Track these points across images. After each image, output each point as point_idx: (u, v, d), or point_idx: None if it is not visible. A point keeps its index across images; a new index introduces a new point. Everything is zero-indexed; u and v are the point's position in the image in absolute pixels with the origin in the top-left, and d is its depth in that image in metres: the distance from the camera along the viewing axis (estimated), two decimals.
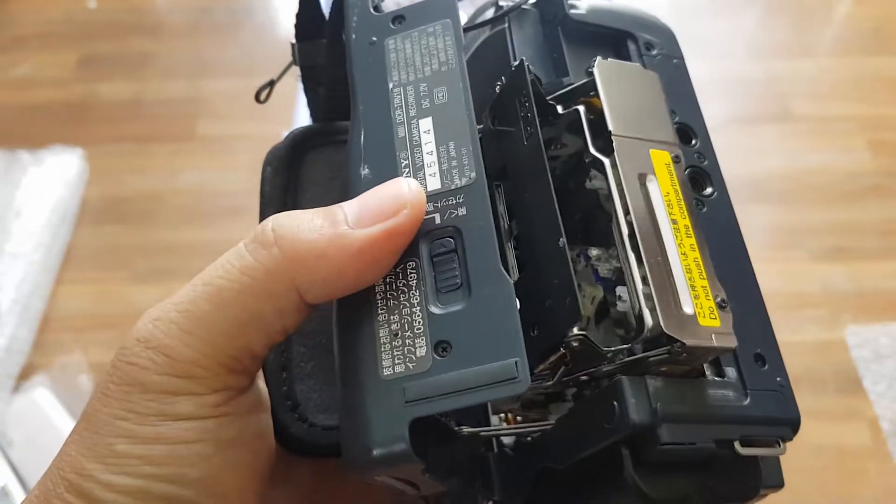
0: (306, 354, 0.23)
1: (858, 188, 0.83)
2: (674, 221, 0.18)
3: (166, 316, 0.18)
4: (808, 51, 0.96)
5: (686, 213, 0.19)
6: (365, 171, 0.20)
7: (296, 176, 0.24)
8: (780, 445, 0.19)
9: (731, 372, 0.20)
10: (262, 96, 0.27)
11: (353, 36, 0.22)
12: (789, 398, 0.20)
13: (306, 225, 0.18)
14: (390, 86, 0.21)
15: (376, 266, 0.18)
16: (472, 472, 0.21)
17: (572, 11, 0.24)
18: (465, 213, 0.19)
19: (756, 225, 0.80)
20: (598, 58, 0.20)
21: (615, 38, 0.24)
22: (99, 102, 0.91)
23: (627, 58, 0.23)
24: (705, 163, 0.21)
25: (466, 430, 0.20)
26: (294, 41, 0.26)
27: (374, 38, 0.22)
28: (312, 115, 0.27)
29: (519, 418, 0.21)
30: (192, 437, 0.18)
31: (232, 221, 0.82)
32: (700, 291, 0.18)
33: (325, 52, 0.26)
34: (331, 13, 0.24)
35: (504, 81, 0.22)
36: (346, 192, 0.20)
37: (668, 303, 0.17)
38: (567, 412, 0.20)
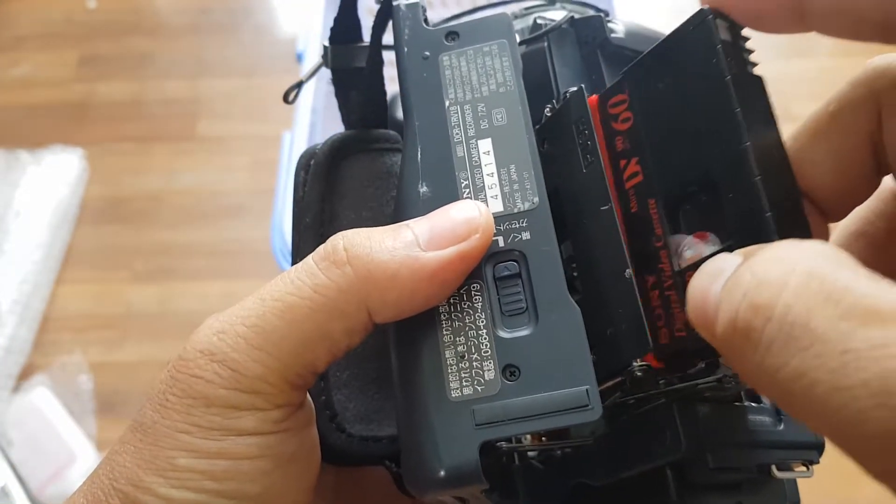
0: (342, 363, 0.23)
1: None
2: None
3: (233, 329, 0.17)
4: (808, 51, 0.96)
5: None
6: (423, 189, 0.19)
7: (333, 183, 0.24)
8: (808, 468, 0.20)
9: (765, 398, 0.20)
10: (291, 97, 0.27)
11: (406, 49, 0.22)
12: None
13: (378, 245, 0.18)
14: (447, 103, 0.21)
15: (446, 288, 0.18)
16: (510, 486, 0.21)
17: (612, 36, 0.24)
18: (528, 237, 0.19)
19: None
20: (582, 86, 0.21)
21: None
22: (99, 102, 0.91)
23: None
24: None
25: (506, 445, 0.19)
26: (327, 43, 0.25)
27: (428, 53, 0.22)
28: (345, 120, 0.26)
29: (543, 437, 0.21)
30: (255, 452, 0.17)
31: (231, 221, 0.82)
32: None
33: (359, 57, 0.26)
34: (376, 20, 0.24)
35: (556, 105, 0.21)
36: (402, 209, 0.20)
37: None
38: (612, 431, 0.20)
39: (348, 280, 0.18)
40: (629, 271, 0.18)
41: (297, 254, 0.24)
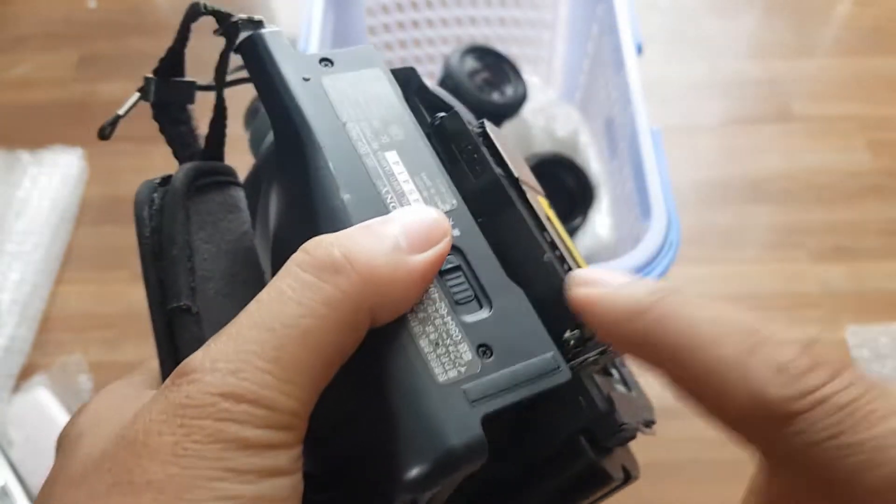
0: None
1: (858, 188, 0.83)
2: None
3: (251, 367, 0.16)
4: (807, 51, 0.96)
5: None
6: (347, 197, 0.20)
7: (187, 215, 0.23)
8: (651, 427, 0.24)
9: (614, 372, 0.24)
10: (107, 132, 0.26)
11: (282, 70, 0.22)
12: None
13: (370, 248, 0.18)
14: (343, 121, 0.22)
15: (425, 288, 0.19)
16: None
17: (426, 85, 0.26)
18: (458, 233, 0.21)
19: (756, 225, 0.80)
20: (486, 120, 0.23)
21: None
22: (99, 102, 0.91)
23: None
24: None
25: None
26: (151, 76, 0.25)
27: (308, 76, 0.22)
28: (178, 154, 0.26)
29: None
30: (287, 492, 0.16)
31: None
32: None
33: (181, 92, 0.26)
34: (223, 53, 0.24)
35: (431, 126, 0.23)
36: (331, 216, 0.20)
37: None
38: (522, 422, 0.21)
39: (355, 287, 0.17)
40: (548, 255, 0.21)
41: (170, 290, 0.22)
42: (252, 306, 0.17)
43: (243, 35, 0.23)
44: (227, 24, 0.23)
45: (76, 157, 0.84)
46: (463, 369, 0.18)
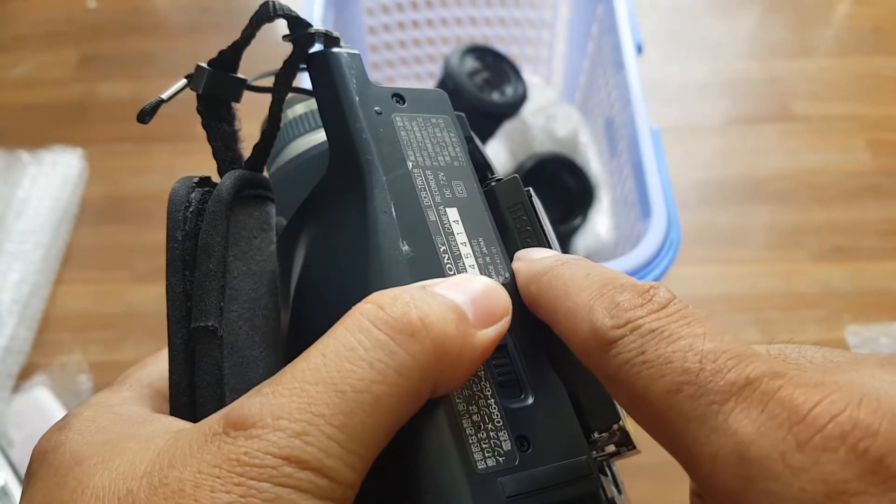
0: None
1: (858, 188, 0.83)
2: None
3: (318, 431, 0.15)
4: (807, 51, 0.96)
5: None
6: (406, 248, 0.19)
7: (226, 228, 0.21)
8: None
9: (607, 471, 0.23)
10: (147, 117, 0.24)
11: (357, 98, 0.21)
12: None
13: (443, 316, 0.16)
14: (409, 165, 0.20)
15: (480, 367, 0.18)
16: None
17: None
18: None
19: (756, 225, 0.80)
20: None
21: None
22: (99, 102, 0.91)
23: None
24: None
25: None
26: (205, 64, 0.23)
27: (379, 109, 0.21)
28: (218, 154, 0.24)
29: None
30: None
31: None
32: None
33: (231, 90, 0.24)
34: (290, 59, 0.23)
35: (487, 189, 0.22)
36: (387, 265, 0.18)
37: None
38: None
39: (427, 357, 0.16)
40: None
41: (198, 306, 0.20)
42: (316, 358, 0.16)
43: (317, 47, 0.22)
44: (301, 33, 0.22)
45: (76, 157, 0.84)
46: (501, 459, 0.17)
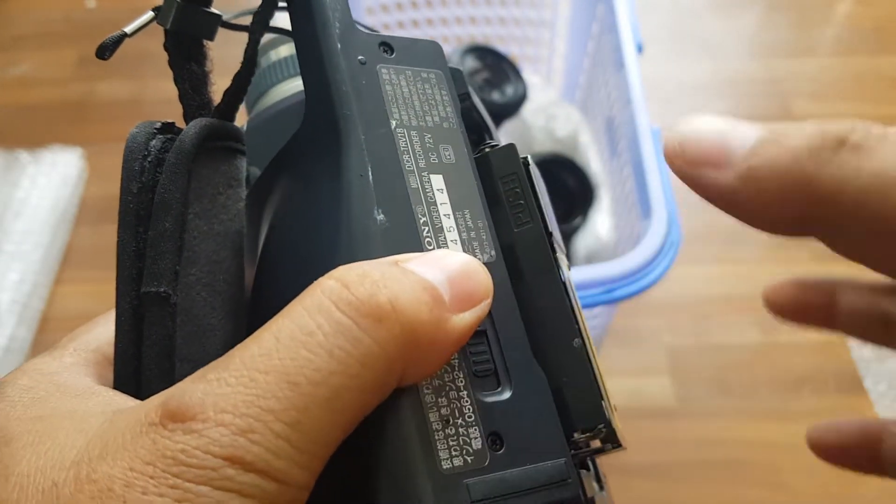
0: None
1: None
2: None
3: (266, 428, 0.13)
4: (808, 50, 0.96)
5: None
6: (380, 217, 0.17)
7: (186, 183, 0.19)
8: None
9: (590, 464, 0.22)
10: (108, 53, 0.22)
11: (339, 45, 0.18)
12: None
13: (415, 298, 0.14)
14: (393, 124, 0.18)
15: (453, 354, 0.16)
16: None
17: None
18: None
19: None
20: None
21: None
22: (98, 102, 0.91)
23: None
24: None
25: None
26: None
27: (363, 58, 0.19)
28: (184, 97, 0.21)
29: None
30: None
31: None
32: None
33: (205, 26, 0.21)
34: None
35: (480, 155, 0.20)
36: (358, 236, 0.17)
37: None
38: None
39: (395, 345, 0.14)
40: (578, 341, 0.18)
41: (150, 269, 0.18)
42: (269, 342, 0.14)
43: None
44: None
45: (75, 156, 0.84)
46: (470, 459, 0.15)
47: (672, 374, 0.68)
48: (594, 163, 0.67)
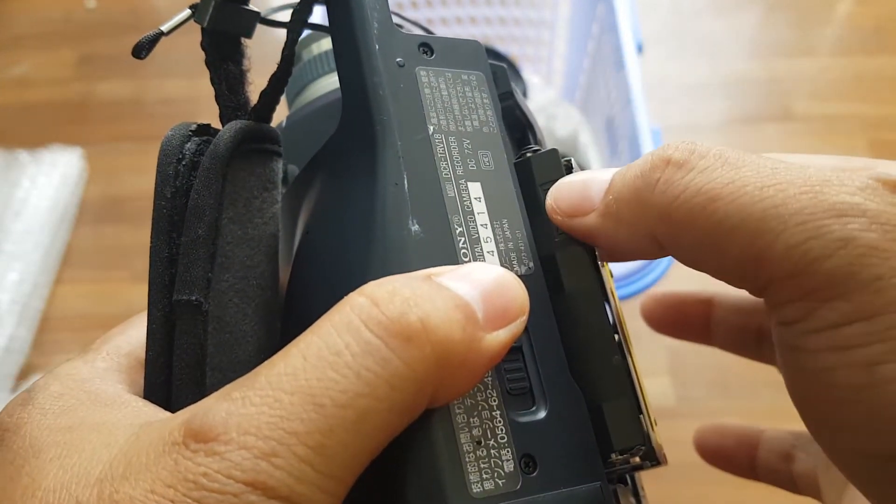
0: None
1: None
2: None
3: (290, 452, 0.13)
4: (808, 50, 0.96)
5: None
6: (415, 228, 0.16)
7: (220, 188, 0.18)
8: None
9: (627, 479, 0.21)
10: (144, 52, 0.21)
11: (377, 46, 0.18)
12: None
13: (447, 317, 0.14)
14: (430, 129, 0.18)
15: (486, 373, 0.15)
16: None
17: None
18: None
19: None
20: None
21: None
22: (98, 102, 0.91)
23: None
24: None
25: None
26: None
27: (402, 60, 0.18)
28: (220, 98, 0.21)
29: None
30: None
31: None
32: None
33: (243, 25, 0.21)
34: None
35: (520, 160, 0.19)
36: (392, 247, 0.16)
37: None
38: None
39: (426, 366, 0.14)
40: (618, 358, 0.17)
41: (182, 276, 0.18)
42: (296, 360, 0.13)
43: None
44: None
45: (75, 156, 0.84)
46: (501, 482, 0.15)
47: (672, 374, 0.68)
48: (594, 163, 0.67)
